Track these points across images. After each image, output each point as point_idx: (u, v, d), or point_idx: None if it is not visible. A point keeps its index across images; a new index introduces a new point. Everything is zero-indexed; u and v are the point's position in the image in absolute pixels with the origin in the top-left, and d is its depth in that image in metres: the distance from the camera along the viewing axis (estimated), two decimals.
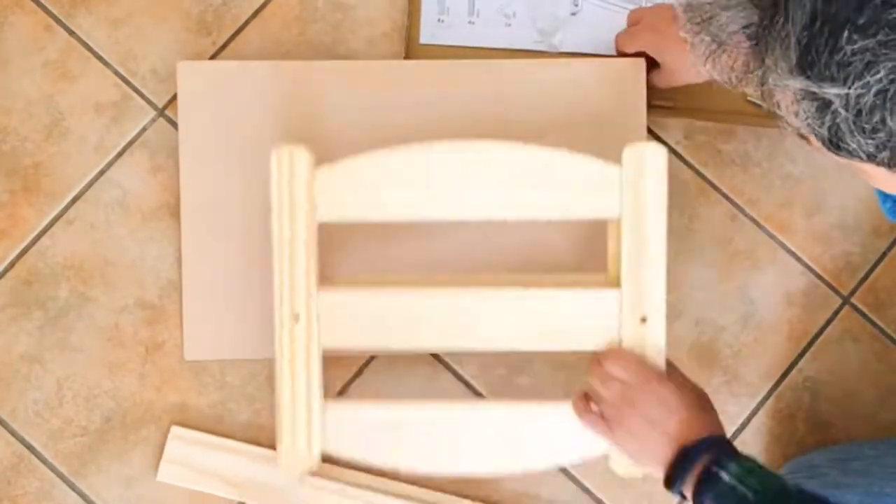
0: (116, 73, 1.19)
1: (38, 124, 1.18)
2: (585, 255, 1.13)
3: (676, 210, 1.19)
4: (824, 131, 0.68)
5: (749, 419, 1.17)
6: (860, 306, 1.19)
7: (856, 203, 1.20)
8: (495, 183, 1.03)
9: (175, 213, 1.16)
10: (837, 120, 0.67)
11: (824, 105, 0.67)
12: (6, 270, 1.16)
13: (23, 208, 1.17)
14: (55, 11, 1.19)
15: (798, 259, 1.19)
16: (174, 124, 1.18)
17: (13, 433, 1.14)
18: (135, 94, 1.19)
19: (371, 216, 1.05)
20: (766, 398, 1.17)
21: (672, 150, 1.20)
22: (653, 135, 1.18)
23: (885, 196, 0.95)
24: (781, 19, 0.67)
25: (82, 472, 1.14)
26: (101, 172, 1.18)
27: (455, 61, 1.17)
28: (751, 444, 1.16)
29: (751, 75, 0.72)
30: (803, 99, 0.68)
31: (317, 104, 1.16)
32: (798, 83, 0.67)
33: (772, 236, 1.19)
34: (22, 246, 1.16)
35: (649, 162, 1.01)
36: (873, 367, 1.18)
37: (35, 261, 1.16)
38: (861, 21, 0.64)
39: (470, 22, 1.19)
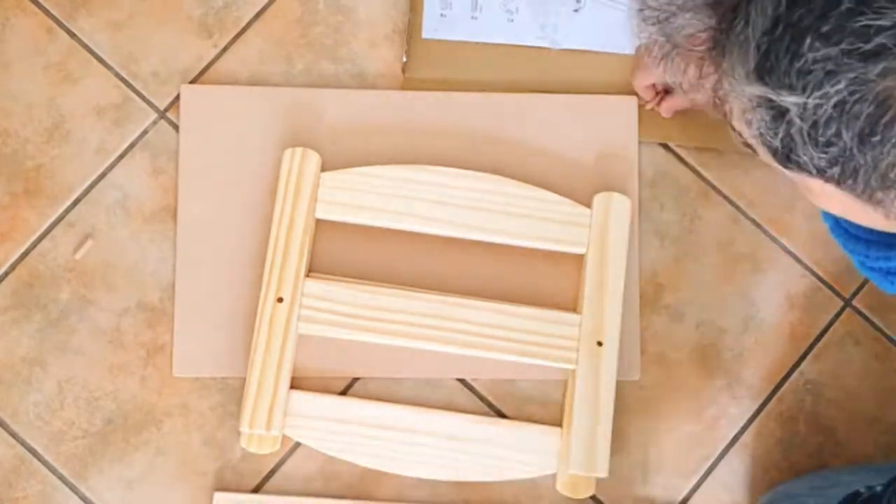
0: (118, 76, 1.19)
1: (39, 127, 1.18)
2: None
3: (678, 212, 1.19)
4: (777, 142, 0.66)
5: (751, 421, 1.17)
6: (861, 308, 1.19)
7: None
8: (478, 209, 1.14)
9: (175, 215, 1.16)
10: (791, 130, 0.64)
11: (779, 114, 0.65)
12: (7, 273, 1.16)
13: (24, 211, 1.17)
14: (56, 14, 1.19)
15: (799, 261, 1.19)
16: (175, 126, 1.18)
17: (14, 435, 1.14)
18: (136, 97, 1.19)
19: (364, 220, 1.14)
20: (768, 400, 1.17)
21: (673, 153, 1.20)
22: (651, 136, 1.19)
23: (831, 218, 0.89)
24: (742, 23, 0.64)
25: (83, 474, 1.14)
26: (103, 175, 1.18)
27: (450, 94, 1.19)
28: (752, 446, 1.16)
29: (704, 80, 0.69)
30: (758, 107, 0.66)
31: (314, 130, 1.18)
32: (755, 90, 0.65)
33: (773, 239, 1.19)
34: (23, 248, 1.16)
35: (615, 209, 1.14)
36: (874, 369, 1.18)
37: (36, 263, 1.16)
38: (825, 28, 0.61)
39: (473, 17, 1.20)
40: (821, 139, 0.64)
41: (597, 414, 1.11)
